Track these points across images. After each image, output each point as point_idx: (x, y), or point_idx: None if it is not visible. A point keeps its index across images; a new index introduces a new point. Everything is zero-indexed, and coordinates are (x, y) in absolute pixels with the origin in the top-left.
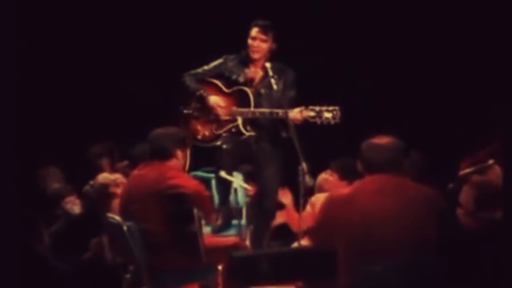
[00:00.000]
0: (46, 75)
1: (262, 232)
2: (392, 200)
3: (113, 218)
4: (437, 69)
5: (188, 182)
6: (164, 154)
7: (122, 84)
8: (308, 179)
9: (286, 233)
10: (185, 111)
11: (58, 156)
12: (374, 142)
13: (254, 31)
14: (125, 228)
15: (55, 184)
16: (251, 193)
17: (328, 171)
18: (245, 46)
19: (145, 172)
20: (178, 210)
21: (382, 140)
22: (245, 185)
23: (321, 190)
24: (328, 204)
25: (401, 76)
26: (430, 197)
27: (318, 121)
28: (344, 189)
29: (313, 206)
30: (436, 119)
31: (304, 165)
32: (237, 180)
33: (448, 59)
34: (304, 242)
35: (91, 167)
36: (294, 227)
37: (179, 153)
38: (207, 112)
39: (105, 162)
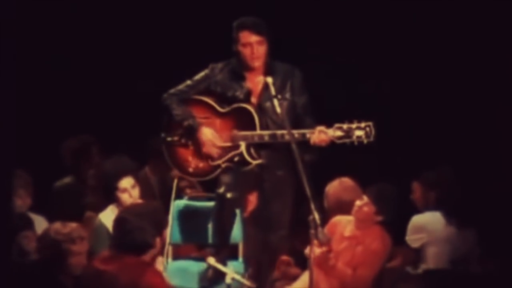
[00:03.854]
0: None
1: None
2: None
3: None
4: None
5: None
6: (142, 249)
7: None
8: (321, 233)
9: None
10: (169, 139)
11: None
12: None
13: (245, 36)
14: None
15: (18, 200)
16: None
17: (364, 198)
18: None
19: (114, 271)
20: None
21: None
22: (242, 279)
23: (345, 209)
24: None
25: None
26: None
27: (348, 141)
28: None
29: (332, 229)
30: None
31: (316, 216)
32: (231, 272)
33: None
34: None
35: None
36: None
37: (158, 241)
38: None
39: (79, 162)
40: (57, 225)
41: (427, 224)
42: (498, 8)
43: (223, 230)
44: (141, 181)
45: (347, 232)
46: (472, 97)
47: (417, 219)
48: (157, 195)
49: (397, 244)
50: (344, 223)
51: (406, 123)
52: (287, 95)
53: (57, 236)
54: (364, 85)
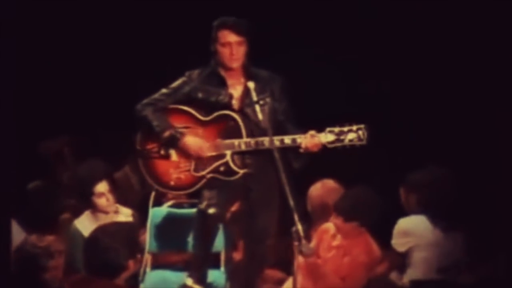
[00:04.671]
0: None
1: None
2: None
3: None
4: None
5: None
6: (115, 271)
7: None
8: (305, 246)
9: None
10: (146, 150)
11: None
12: None
13: (225, 35)
14: None
15: None
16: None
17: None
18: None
19: None
20: None
21: None
22: None
23: (329, 212)
24: None
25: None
26: None
27: (340, 145)
28: None
29: (320, 237)
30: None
31: (299, 227)
32: None
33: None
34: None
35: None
36: None
37: (131, 263)
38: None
39: (53, 163)
40: (34, 238)
41: (413, 228)
42: (498, 8)
43: (205, 245)
44: (121, 181)
45: (335, 241)
46: (471, 98)
47: (402, 223)
48: (138, 195)
49: (383, 248)
50: (332, 232)
51: (403, 125)
52: (268, 100)
53: (34, 250)
54: (363, 86)
